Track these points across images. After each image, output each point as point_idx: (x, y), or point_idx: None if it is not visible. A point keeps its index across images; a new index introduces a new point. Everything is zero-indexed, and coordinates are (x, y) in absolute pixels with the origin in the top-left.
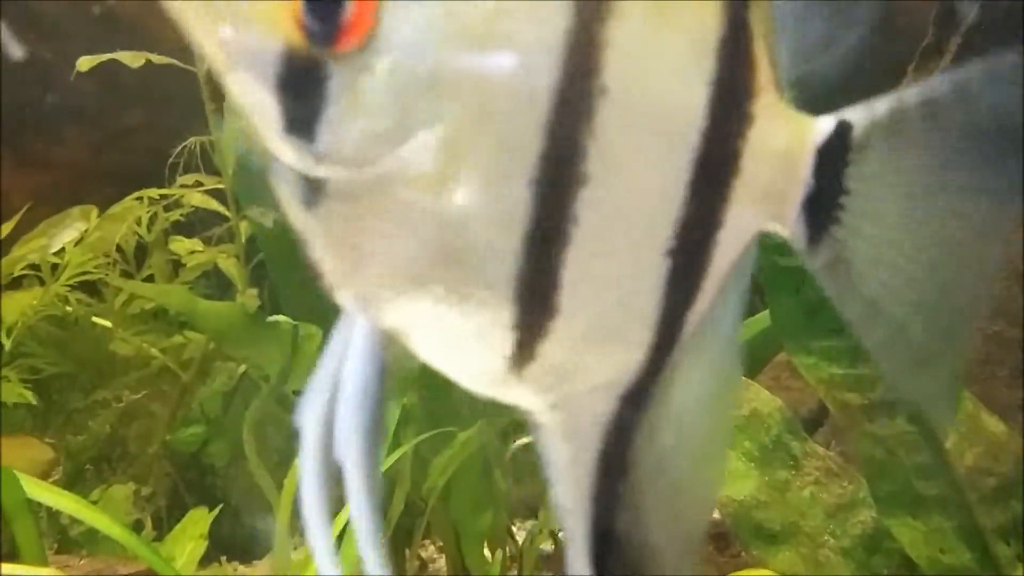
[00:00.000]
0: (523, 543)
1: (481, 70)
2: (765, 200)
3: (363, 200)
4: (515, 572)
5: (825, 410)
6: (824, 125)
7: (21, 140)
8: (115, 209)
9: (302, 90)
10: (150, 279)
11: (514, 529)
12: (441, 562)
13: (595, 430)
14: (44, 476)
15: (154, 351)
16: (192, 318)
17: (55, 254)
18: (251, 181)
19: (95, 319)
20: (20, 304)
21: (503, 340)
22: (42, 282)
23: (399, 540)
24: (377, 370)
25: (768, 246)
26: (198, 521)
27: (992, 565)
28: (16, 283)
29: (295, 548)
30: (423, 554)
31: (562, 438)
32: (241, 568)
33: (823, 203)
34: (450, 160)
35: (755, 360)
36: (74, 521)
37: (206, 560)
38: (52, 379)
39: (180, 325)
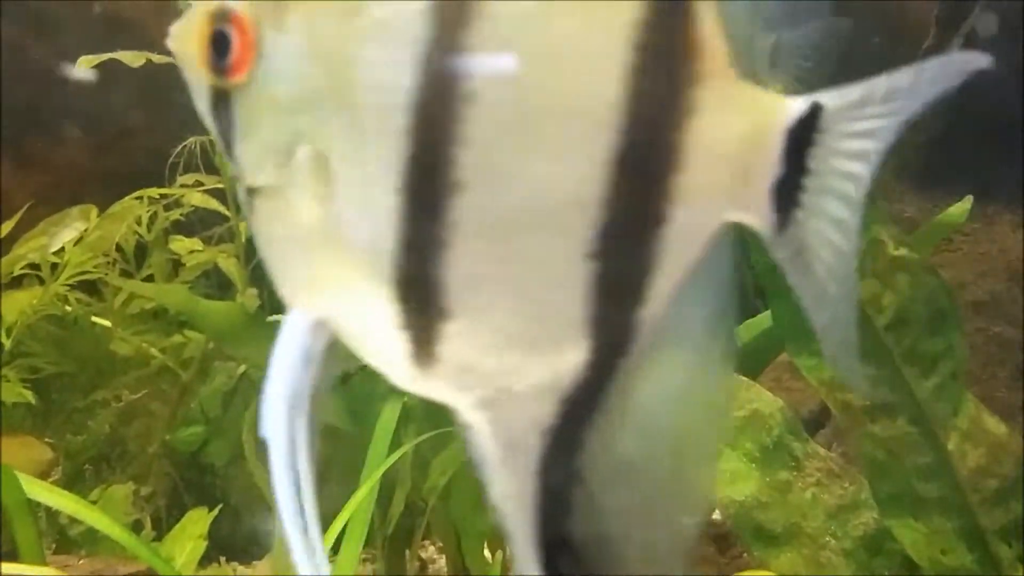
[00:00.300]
0: None
1: (344, 90)
2: (726, 190)
3: (276, 209)
4: (515, 573)
5: (827, 411)
6: (796, 106)
7: (21, 140)
8: (115, 208)
9: (221, 116)
10: (150, 279)
11: None
12: (441, 562)
13: (533, 433)
14: (43, 476)
15: (154, 351)
16: (192, 318)
17: (55, 253)
18: None
19: (95, 318)
20: (20, 303)
21: (399, 340)
22: (42, 281)
23: (399, 540)
24: (304, 358)
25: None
26: (197, 521)
27: (993, 566)
28: (16, 282)
29: None
30: (423, 554)
31: (491, 438)
32: (240, 568)
33: (790, 186)
34: (326, 172)
35: (756, 361)
36: (73, 521)
37: (205, 560)
38: (52, 378)
39: (180, 325)
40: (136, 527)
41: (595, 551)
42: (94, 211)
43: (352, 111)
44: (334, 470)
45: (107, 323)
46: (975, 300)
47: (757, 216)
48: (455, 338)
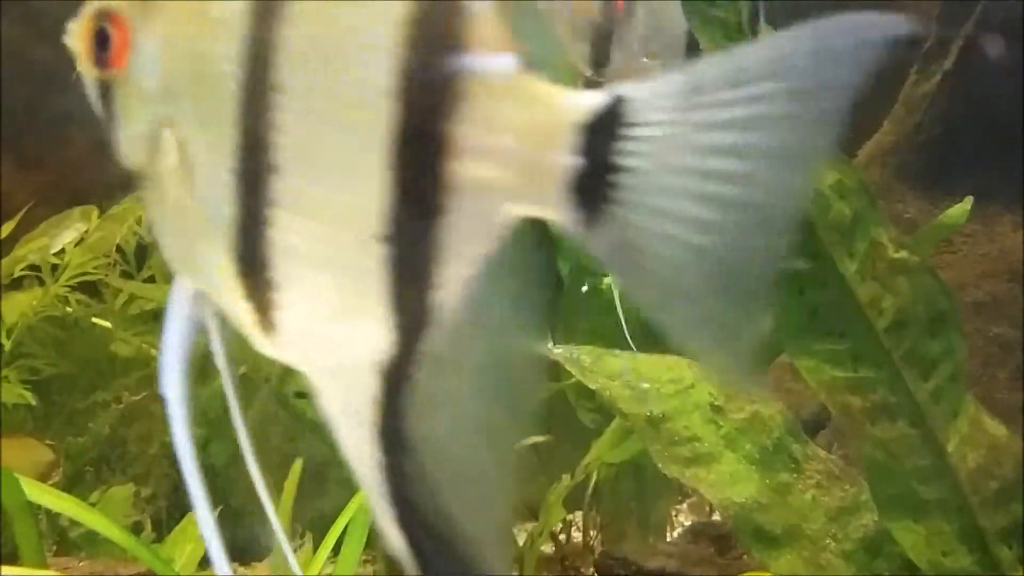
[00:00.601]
0: (523, 545)
1: (193, 81)
2: (508, 185)
3: (151, 190)
4: (515, 573)
5: (827, 413)
6: (588, 101)
7: (22, 140)
8: (115, 209)
9: (105, 106)
10: (150, 280)
11: (514, 531)
12: None
13: (365, 403)
14: (44, 477)
15: (154, 352)
16: None
17: (55, 255)
18: None
19: (95, 320)
20: (20, 305)
21: (243, 309)
22: (42, 283)
23: None
24: (191, 326)
25: None
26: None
27: (994, 568)
28: (16, 283)
29: (295, 549)
30: None
31: (331, 403)
32: (240, 569)
33: (598, 184)
34: (186, 156)
35: (756, 362)
36: (74, 523)
37: (206, 562)
38: (52, 380)
39: None
40: (136, 528)
41: (437, 518)
42: (95, 212)
43: (199, 101)
44: (334, 470)
45: (108, 324)
46: (975, 301)
47: (555, 212)
48: (286, 308)
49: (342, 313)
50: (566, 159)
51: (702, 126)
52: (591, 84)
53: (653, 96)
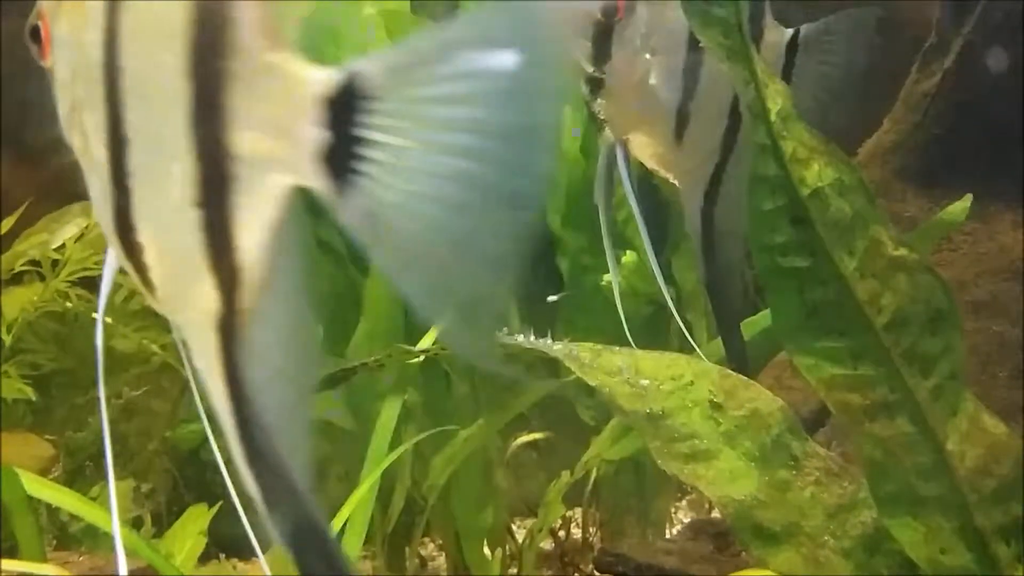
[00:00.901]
0: (523, 541)
1: (83, 70)
2: (276, 155)
3: (82, 166)
4: (514, 570)
5: (826, 410)
6: (326, 76)
7: (22, 136)
8: None
9: (49, 94)
10: None
11: (514, 527)
12: (441, 560)
13: (214, 356)
14: (44, 472)
15: (154, 347)
16: None
17: (56, 250)
18: None
19: (95, 315)
20: (20, 300)
21: (131, 271)
22: (42, 278)
23: (399, 538)
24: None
25: (768, 246)
26: (197, 518)
27: (992, 566)
28: (16, 279)
29: None
30: (423, 552)
31: (196, 357)
32: (240, 565)
33: (344, 155)
34: (83, 133)
35: (756, 360)
36: (74, 517)
37: (205, 557)
38: (52, 375)
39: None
40: (136, 524)
41: (278, 462)
42: None
43: (85, 84)
44: (334, 468)
45: (108, 320)
46: (975, 299)
47: (312, 181)
48: (153, 268)
49: (183, 274)
50: (314, 132)
51: (428, 100)
52: (592, 81)
53: (382, 70)
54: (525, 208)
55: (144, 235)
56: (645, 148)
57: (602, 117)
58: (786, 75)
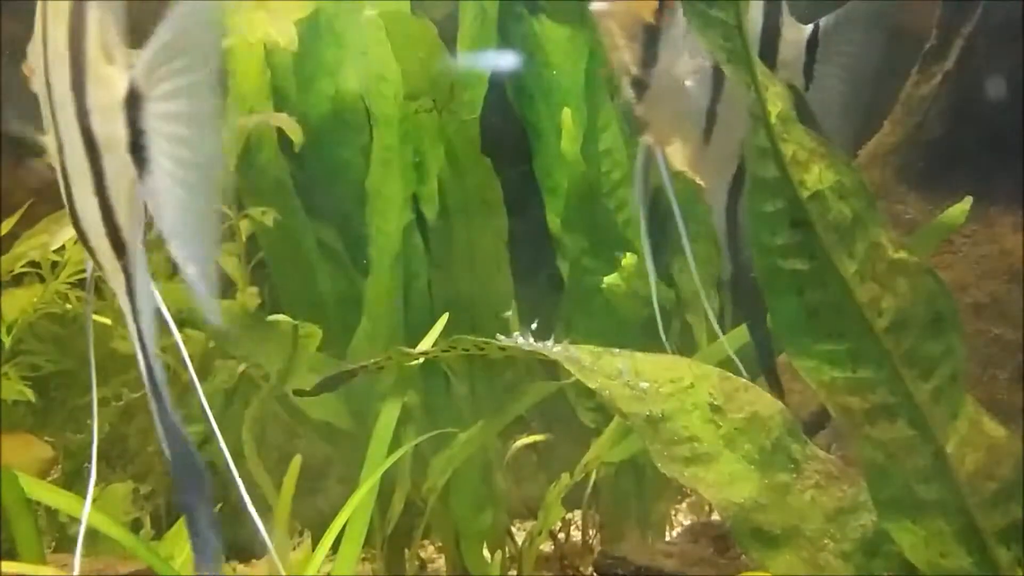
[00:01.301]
0: (522, 544)
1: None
2: (116, 143)
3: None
4: (514, 573)
5: (826, 413)
6: (124, 79)
7: (22, 137)
8: None
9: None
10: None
11: (513, 529)
12: (440, 562)
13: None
14: (43, 474)
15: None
16: (192, 316)
17: (55, 252)
18: (252, 179)
19: (95, 316)
20: (20, 301)
21: (89, 256)
22: (42, 279)
23: (399, 540)
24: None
25: (769, 249)
26: None
27: (992, 569)
28: (17, 280)
29: (294, 548)
30: (422, 554)
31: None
32: (240, 567)
33: (137, 149)
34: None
35: (757, 362)
36: (73, 520)
37: None
38: (52, 377)
39: (180, 323)
40: (135, 526)
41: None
42: None
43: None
44: (334, 470)
45: (107, 321)
46: (975, 302)
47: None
48: (93, 243)
49: (99, 239)
50: (120, 129)
51: (161, 97)
52: (638, 83)
53: (141, 71)
54: (212, 191)
55: (83, 217)
56: (678, 150)
57: (644, 120)
58: (808, 72)
